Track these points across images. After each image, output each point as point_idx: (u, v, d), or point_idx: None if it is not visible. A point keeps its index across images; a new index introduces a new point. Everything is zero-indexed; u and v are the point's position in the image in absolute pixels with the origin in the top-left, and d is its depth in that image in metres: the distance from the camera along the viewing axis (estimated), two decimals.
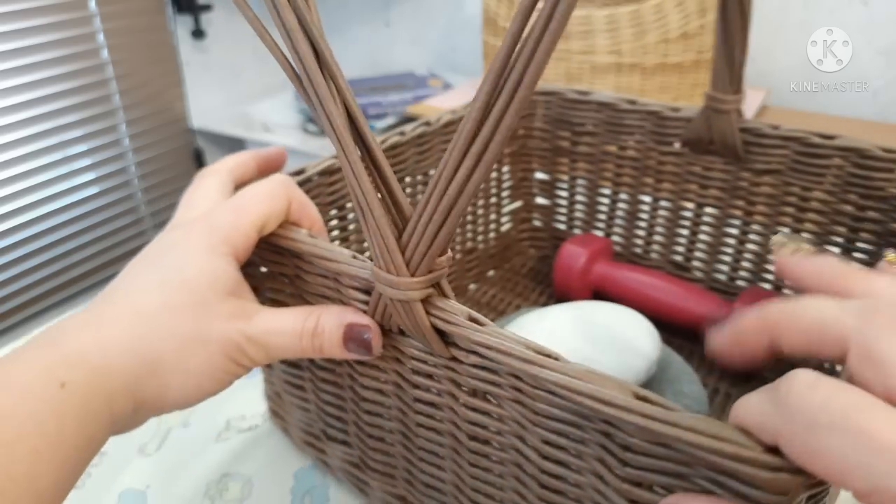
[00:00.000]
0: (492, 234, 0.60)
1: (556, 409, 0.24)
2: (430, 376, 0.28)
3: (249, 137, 1.57)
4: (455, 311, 0.25)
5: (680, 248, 0.56)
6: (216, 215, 0.29)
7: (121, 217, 1.59)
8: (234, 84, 1.79)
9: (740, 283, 0.53)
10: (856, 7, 1.13)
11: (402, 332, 0.28)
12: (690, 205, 0.54)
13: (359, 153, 0.24)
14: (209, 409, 0.46)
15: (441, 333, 0.26)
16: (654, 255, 0.57)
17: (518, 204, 0.62)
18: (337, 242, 0.44)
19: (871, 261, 0.46)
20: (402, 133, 0.47)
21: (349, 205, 0.44)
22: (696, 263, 0.55)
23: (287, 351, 0.29)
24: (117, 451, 0.43)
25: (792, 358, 0.22)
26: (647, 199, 0.56)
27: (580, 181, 0.60)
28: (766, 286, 0.52)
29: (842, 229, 0.47)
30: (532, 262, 0.63)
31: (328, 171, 0.41)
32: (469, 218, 0.57)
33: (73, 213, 1.49)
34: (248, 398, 0.47)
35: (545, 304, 0.56)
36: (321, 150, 1.39)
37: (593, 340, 0.39)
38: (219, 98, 1.75)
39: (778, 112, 1.12)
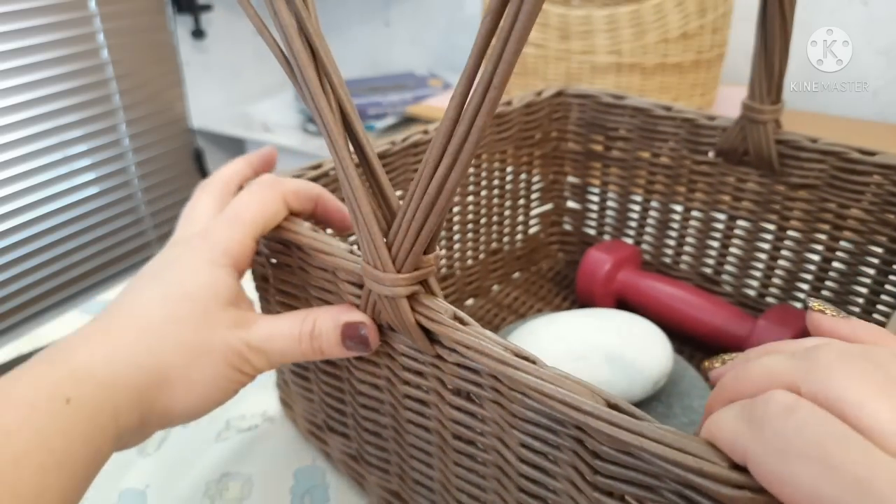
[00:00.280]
0: (519, 236, 0.60)
1: (531, 413, 0.24)
2: (419, 373, 0.28)
3: (249, 137, 1.58)
4: (440, 310, 0.25)
5: (710, 261, 0.55)
6: (213, 230, 0.30)
7: (121, 217, 1.59)
8: (234, 84, 1.79)
9: (770, 300, 0.52)
10: (856, 7, 1.12)
11: (391, 329, 0.28)
12: (722, 216, 0.53)
13: (350, 149, 0.24)
14: None
15: (427, 331, 0.26)
16: (683, 266, 0.56)
17: (548, 206, 0.62)
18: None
19: None
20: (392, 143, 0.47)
21: None
22: (725, 277, 0.54)
23: (287, 355, 0.30)
24: (117, 451, 0.44)
25: None
26: (678, 208, 0.55)
27: (612, 186, 0.59)
28: (797, 304, 0.50)
29: (879, 249, 0.45)
30: (559, 266, 0.63)
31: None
32: (495, 219, 0.57)
33: (73, 213, 1.49)
34: (248, 398, 0.48)
35: (567, 310, 0.56)
36: (321, 151, 1.39)
37: (602, 349, 0.39)
38: (219, 98, 1.76)
39: None
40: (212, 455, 0.43)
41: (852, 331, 0.22)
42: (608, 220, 0.60)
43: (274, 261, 0.35)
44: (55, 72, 1.40)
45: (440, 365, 0.27)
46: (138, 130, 1.58)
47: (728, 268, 0.54)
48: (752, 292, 0.53)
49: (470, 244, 0.55)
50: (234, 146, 1.78)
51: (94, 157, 1.52)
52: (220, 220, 0.30)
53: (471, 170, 0.53)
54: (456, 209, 0.53)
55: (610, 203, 0.60)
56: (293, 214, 0.32)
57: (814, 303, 0.23)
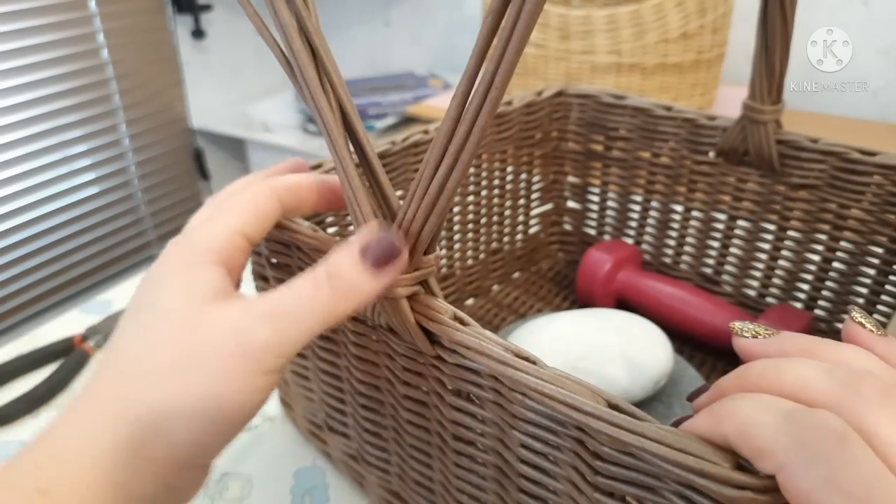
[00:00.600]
0: (519, 236, 0.60)
1: (531, 413, 0.24)
2: (419, 374, 0.28)
3: (249, 137, 1.57)
4: (440, 310, 0.25)
5: (710, 261, 0.55)
6: (195, 229, 0.27)
7: (121, 217, 1.59)
8: (234, 84, 1.79)
9: (770, 300, 0.52)
10: (856, 7, 1.12)
11: (391, 330, 0.28)
12: (723, 216, 0.53)
13: (350, 149, 0.24)
14: None
15: (427, 331, 0.26)
16: (683, 267, 0.56)
17: (548, 206, 0.62)
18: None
19: None
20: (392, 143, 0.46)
21: None
22: (725, 277, 0.54)
23: (305, 312, 0.23)
24: None
25: None
26: (678, 208, 0.55)
27: (612, 186, 0.59)
28: (797, 304, 0.50)
29: (879, 250, 0.45)
30: (559, 266, 0.63)
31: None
32: (495, 219, 0.57)
33: (73, 213, 1.49)
34: None
35: (567, 310, 0.56)
36: (321, 151, 1.38)
37: (602, 349, 0.39)
38: (219, 98, 1.75)
39: None
40: None
41: (885, 351, 0.22)
42: (608, 220, 0.60)
43: (274, 261, 0.35)
44: (55, 72, 1.40)
45: (440, 365, 0.27)
46: (138, 130, 1.58)
47: (728, 268, 0.54)
48: (752, 292, 0.53)
49: (470, 244, 0.55)
50: (234, 146, 1.77)
51: (94, 157, 1.51)
52: (199, 219, 0.28)
53: (471, 170, 0.53)
54: (456, 209, 0.53)
55: (610, 203, 0.60)
56: (302, 210, 0.29)
57: (856, 313, 0.23)
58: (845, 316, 0.23)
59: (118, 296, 0.61)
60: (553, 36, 0.96)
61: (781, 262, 0.50)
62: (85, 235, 1.53)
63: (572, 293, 0.58)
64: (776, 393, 0.20)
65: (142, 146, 1.60)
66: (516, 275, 0.61)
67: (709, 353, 0.50)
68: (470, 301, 0.57)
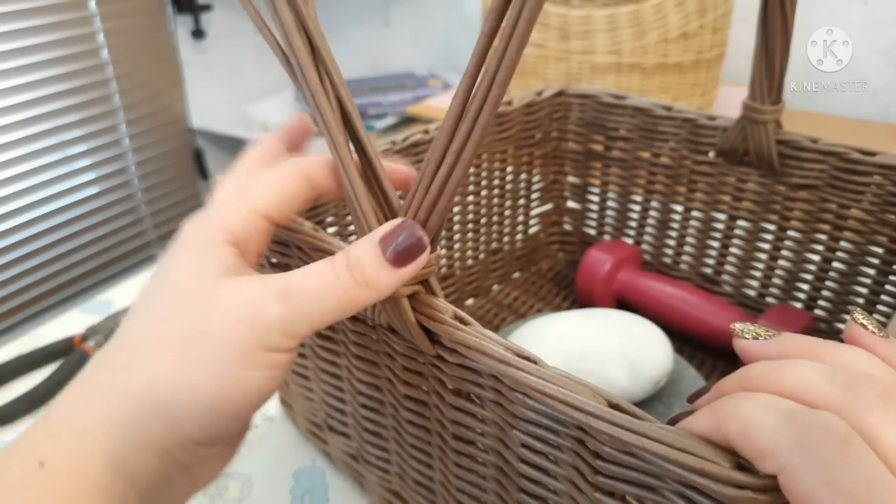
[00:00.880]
0: (519, 236, 0.60)
1: (532, 413, 0.23)
2: (419, 373, 0.28)
3: (249, 137, 1.55)
4: (441, 310, 0.25)
5: (710, 261, 0.55)
6: (211, 209, 0.26)
7: (121, 217, 1.58)
8: (233, 84, 1.78)
9: (770, 300, 0.52)
10: (856, 7, 1.12)
11: (391, 329, 0.28)
12: (723, 216, 0.53)
13: (350, 149, 0.24)
14: None
15: (427, 331, 0.26)
16: (683, 267, 0.56)
17: (548, 206, 0.62)
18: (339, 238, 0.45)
19: None
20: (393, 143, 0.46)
21: None
22: (725, 277, 0.54)
23: (321, 295, 0.23)
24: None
25: None
26: (678, 208, 0.55)
27: (612, 186, 0.59)
28: (797, 304, 0.50)
29: (879, 250, 0.45)
30: (559, 266, 0.63)
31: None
32: (495, 219, 0.57)
33: (73, 213, 1.48)
34: None
35: (567, 310, 0.56)
36: (321, 151, 1.38)
37: (602, 349, 0.39)
38: (219, 98, 1.75)
39: None
40: None
41: (886, 353, 0.22)
42: (608, 220, 0.60)
43: (274, 261, 0.35)
44: (55, 72, 1.40)
45: (441, 365, 0.27)
46: (138, 130, 1.58)
47: (728, 268, 0.54)
48: (752, 292, 0.53)
49: (470, 244, 0.55)
50: (234, 146, 1.77)
51: (94, 157, 1.51)
52: (223, 198, 0.26)
53: (471, 170, 0.53)
54: (456, 209, 0.53)
55: (610, 203, 0.60)
56: (331, 194, 0.28)
57: (857, 314, 0.23)
58: (846, 316, 0.23)
59: (118, 296, 0.61)
60: (553, 36, 0.96)
61: (781, 262, 0.50)
62: (85, 235, 1.53)
63: (572, 293, 0.58)
64: (777, 395, 0.20)
65: (142, 146, 1.60)
66: (516, 275, 0.61)
67: (709, 353, 0.50)
68: (470, 301, 0.57)
